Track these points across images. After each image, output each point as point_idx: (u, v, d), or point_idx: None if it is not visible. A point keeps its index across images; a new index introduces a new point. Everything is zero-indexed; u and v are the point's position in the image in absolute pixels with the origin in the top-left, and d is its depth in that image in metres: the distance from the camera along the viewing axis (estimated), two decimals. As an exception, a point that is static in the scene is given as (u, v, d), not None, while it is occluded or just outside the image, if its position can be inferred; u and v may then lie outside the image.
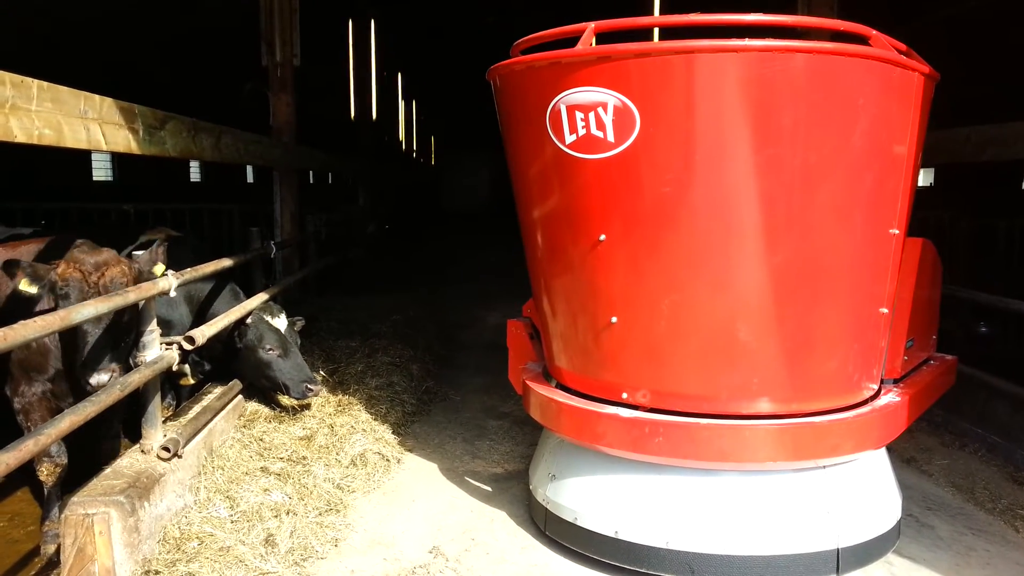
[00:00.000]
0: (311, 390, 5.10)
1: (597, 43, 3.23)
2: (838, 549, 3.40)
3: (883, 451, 3.76)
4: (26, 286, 3.53)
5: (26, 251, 4.51)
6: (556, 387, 3.91)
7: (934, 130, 6.62)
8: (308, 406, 5.33)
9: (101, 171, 18.95)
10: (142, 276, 3.92)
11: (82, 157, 16.88)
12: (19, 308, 3.93)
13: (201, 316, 5.16)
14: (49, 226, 9.14)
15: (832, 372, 3.47)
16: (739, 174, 3.15)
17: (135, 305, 3.78)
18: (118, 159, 18.51)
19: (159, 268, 3.98)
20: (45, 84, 3.18)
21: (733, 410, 3.38)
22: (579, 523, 3.64)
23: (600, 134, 3.20)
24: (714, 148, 3.14)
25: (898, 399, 3.69)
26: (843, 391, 3.53)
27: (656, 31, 10.66)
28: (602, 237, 3.36)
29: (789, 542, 3.37)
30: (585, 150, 3.28)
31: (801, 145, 3.14)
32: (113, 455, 4.43)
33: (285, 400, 5.30)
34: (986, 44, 11.38)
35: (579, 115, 3.23)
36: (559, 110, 3.28)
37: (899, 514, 3.72)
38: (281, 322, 5.24)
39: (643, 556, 3.46)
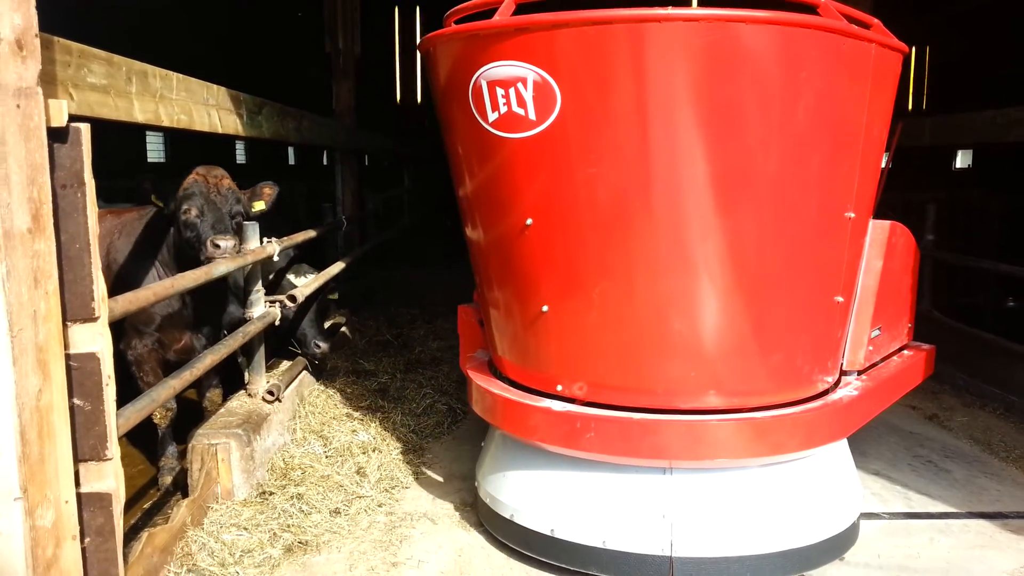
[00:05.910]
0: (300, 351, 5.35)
1: (523, 13, 2.96)
2: (671, 557, 3.17)
3: (790, 464, 3.35)
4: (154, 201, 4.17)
5: (129, 218, 4.98)
6: (502, 379, 3.69)
7: (963, 112, 6.96)
8: (321, 359, 5.55)
9: (154, 151, 19.66)
10: (244, 207, 4.44)
11: (139, 137, 17.57)
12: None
13: (273, 287, 5.63)
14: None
15: (778, 365, 3.22)
16: (665, 153, 2.90)
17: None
18: (171, 139, 19.20)
19: (259, 205, 4.48)
20: (181, 76, 3.72)
21: (670, 404, 3.17)
22: (479, 491, 3.81)
23: (521, 111, 2.97)
24: (639, 126, 2.88)
25: (855, 393, 3.46)
26: (792, 385, 3.29)
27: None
28: (529, 221, 3.15)
29: (621, 539, 3.24)
30: (508, 128, 3.03)
31: (735, 122, 2.87)
32: (211, 400, 5.03)
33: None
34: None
35: (500, 91, 2.99)
36: (480, 86, 3.04)
37: (800, 541, 3.25)
38: (301, 280, 5.32)
39: (510, 528, 3.55)
